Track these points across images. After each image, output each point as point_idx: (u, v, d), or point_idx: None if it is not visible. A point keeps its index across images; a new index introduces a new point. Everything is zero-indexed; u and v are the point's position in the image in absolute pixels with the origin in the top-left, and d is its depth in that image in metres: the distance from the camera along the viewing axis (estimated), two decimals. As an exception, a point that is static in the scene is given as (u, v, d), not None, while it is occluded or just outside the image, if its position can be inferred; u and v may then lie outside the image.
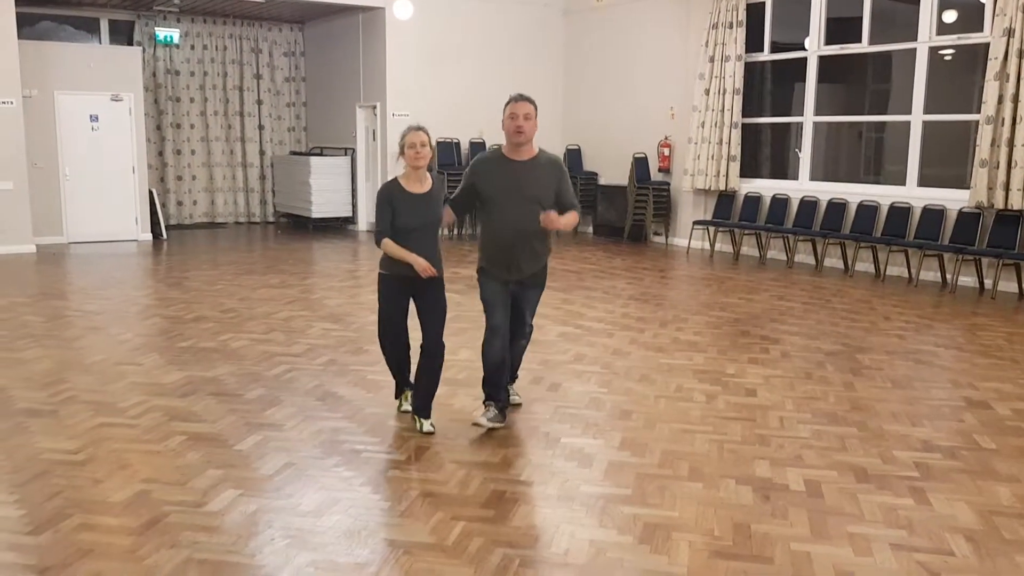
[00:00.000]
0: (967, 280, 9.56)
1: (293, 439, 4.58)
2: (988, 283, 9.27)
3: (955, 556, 3.40)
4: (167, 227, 13.73)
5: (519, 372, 5.27)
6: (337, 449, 4.44)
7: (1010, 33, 9.00)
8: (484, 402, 4.79)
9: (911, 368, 6.18)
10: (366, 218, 14.49)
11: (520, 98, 4.54)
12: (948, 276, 9.64)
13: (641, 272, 10.41)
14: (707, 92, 12.21)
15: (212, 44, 14.94)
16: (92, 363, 6.04)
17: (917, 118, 10.24)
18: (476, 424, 4.67)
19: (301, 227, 14.75)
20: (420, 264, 4.41)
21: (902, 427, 4.90)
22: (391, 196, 4.51)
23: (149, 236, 13.01)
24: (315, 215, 14.20)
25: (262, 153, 15.59)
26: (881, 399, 5.41)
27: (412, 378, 4.90)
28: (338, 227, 14.69)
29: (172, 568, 3.19)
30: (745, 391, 5.54)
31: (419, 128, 4.49)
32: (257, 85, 15.41)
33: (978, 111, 9.42)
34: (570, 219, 4.66)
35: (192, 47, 14.80)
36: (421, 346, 4.65)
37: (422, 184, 4.56)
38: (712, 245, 12.15)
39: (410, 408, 4.88)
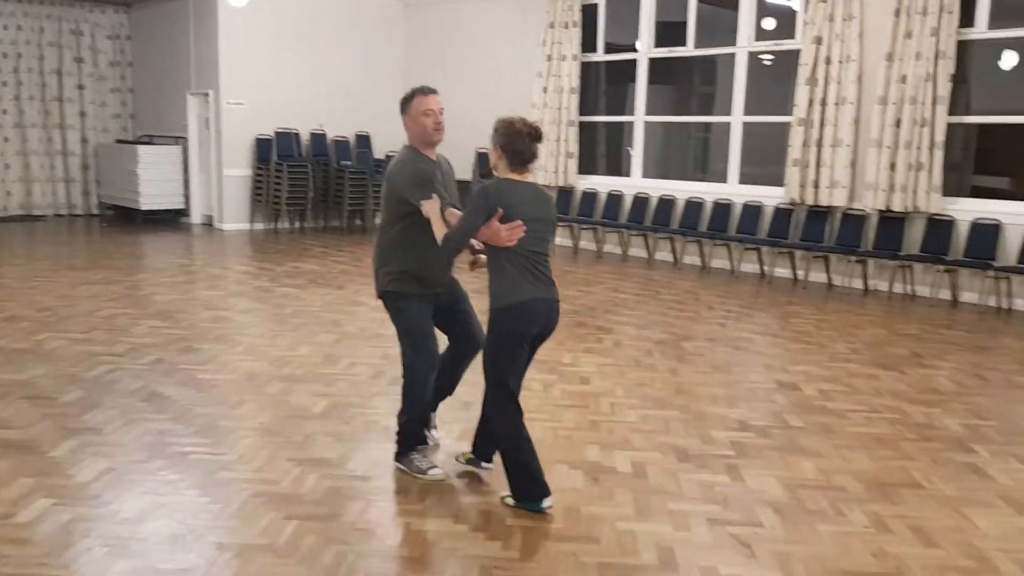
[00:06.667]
0: (782, 271, 10.25)
1: (113, 443, 4.36)
2: (801, 274, 9.98)
3: (764, 527, 3.66)
4: (-25, 220, 12.71)
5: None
6: (162, 452, 4.27)
7: (818, 41, 9.71)
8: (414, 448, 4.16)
9: (730, 354, 6.58)
10: (200, 210, 13.93)
11: (433, 91, 4.04)
12: (765, 268, 10.30)
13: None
14: (545, 90, 12.48)
15: (27, 25, 13.92)
16: None
17: (737, 119, 10.87)
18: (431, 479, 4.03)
19: (129, 220, 13.99)
20: None
21: (720, 409, 5.21)
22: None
23: (-46, 230, 12.02)
24: (144, 207, 13.51)
25: (84, 141, 14.67)
26: (702, 383, 5.73)
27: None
28: (170, 220, 14.03)
29: (-25, 585, 2.98)
30: (580, 379, 5.73)
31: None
32: (78, 69, 14.48)
33: (791, 114, 10.09)
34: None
35: (5, 27, 13.75)
36: None
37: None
38: (551, 239, 12.41)
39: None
